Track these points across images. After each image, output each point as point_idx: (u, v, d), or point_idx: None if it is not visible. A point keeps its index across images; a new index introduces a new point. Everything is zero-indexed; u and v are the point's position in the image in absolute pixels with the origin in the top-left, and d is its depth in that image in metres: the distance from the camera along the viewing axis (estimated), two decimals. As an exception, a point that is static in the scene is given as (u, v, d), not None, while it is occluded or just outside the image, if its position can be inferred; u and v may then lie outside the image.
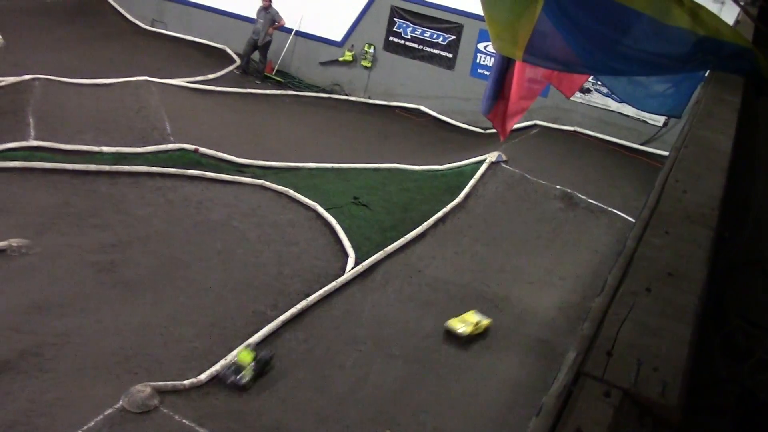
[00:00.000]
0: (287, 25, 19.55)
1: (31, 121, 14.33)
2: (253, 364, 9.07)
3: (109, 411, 8.10)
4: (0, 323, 9.39)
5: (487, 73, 16.41)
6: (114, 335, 9.48)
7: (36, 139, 13.76)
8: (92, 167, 13.19)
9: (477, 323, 10.47)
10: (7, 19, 19.72)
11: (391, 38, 19.12)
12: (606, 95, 16.78)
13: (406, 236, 12.42)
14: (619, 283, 2.88)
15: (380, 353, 9.96)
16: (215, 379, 8.90)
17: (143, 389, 8.31)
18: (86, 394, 8.46)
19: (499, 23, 7.84)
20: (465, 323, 10.46)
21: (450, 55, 18.56)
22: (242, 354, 9.18)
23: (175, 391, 8.56)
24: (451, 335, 10.38)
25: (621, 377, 2.22)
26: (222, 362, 9.07)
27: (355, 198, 13.56)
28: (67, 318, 9.71)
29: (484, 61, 17.91)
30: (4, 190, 12.35)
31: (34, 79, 15.86)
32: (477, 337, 10.45)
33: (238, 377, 8.98)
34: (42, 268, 10.64)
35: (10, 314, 9.58)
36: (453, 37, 18.43)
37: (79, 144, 13.80)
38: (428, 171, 15.06)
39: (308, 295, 10.60)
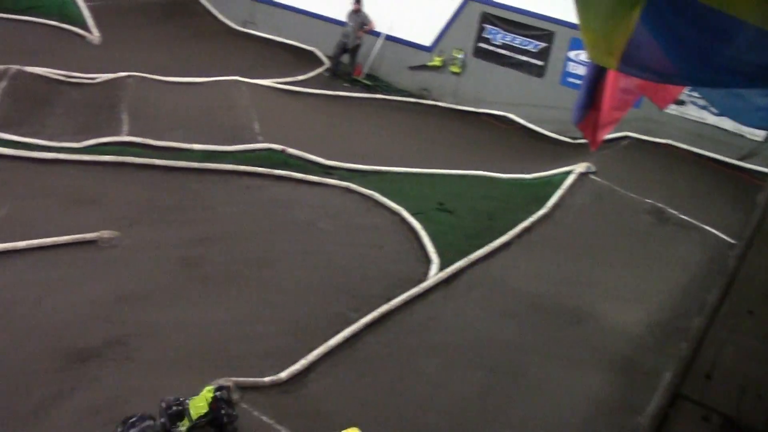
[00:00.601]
0: (377, 28, 19.58)
1: (125, 117, 14.65)
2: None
3: (190, 403, 8.22)
4: (89, 312, 9.64)
5: (577, 81, 16.16)
6: (197, 329, 9.62)
7: (129, 134, 14.07)
8: (182, 164, 13.42)
9: None
10: (105, 17, 20.19)
11: (480, 44, 19.00)
12: (702, 108, 16.33)
13: (491, 244, 12.29)
14: (719, 303, 2.77)
15: (460, 361, 9.87)
16: (293, 378, 8.95)
17: (225, 384, 8.40)
18: (169, 385, 8.55)
19: (594, 31, 7.65)
20: None
21: (540, 63, 18.36)
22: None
23: (256, 388, 8.62)
24: None
25: (721, 402, 2.13)
26: (302, 361, 9.10)
27: (440, 204, 13.49)
28: (153, 310, 9.90)
29: (575, 70, 17.66)
30: (97, 183, 12.66)
31: (128, 76, 16.23)
32: (558, 351, 10.29)
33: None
34: (130, 260, 10.86)
35: (99, 304, 9.83)
36: (544, 44, 18.22)
37: (169, 141, 14.05)
38: (515, 180, 14.89)
39: (390, 300, 10.57)
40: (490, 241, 12.41)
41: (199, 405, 7.82)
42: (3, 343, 8.94)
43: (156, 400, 8.01)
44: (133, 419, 7.67)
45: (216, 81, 16.66)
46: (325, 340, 9.61)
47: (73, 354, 8.90)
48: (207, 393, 7.93)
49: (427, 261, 11.82)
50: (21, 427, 7.82)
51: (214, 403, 7.81)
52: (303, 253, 11.66)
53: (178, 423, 7.74)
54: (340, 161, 14.38)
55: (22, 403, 8.11)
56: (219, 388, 8.00)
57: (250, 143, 14.33)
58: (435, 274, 11.41)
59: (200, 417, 7.79)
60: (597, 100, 9.43)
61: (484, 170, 14.97)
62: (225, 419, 7.84)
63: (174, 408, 7.77)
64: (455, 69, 19.23)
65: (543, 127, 18.10)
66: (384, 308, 10.35)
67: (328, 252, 11.78)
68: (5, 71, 15.40)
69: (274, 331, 9.83)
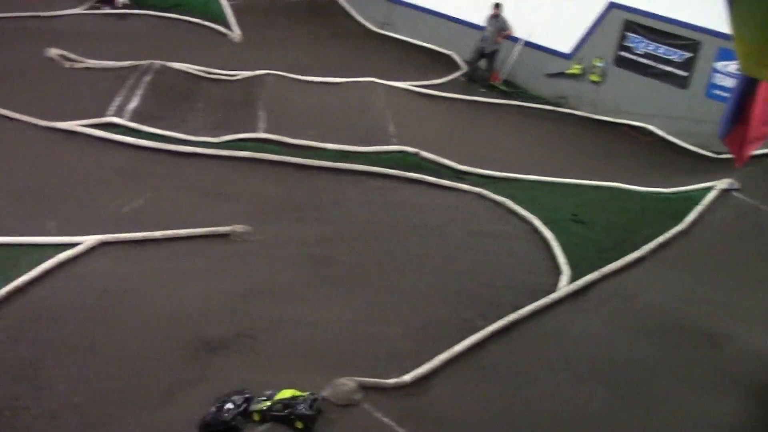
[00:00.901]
0: (516, 34, 19.35)
1: (262, 114, 14.93)
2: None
3: (314, 399, 8.26)
4: (220, 303, 9.83)
5: (724, 94, 15.56)
6: (324, 326, 9.67)
7: (265, 131, 14.32)
8: (316, 163, 13.56)
9: None
10: (246, 16, 20.67)
11: (622, 53, 18.51)
12: None
13: (625, 259, 11.90)
14: None
15: (585, 377, 9.57)
16: (417, 381, 8.88)
17: (348, 383, 8.38)
18: (293, 380, 8.58)
19: (748, 42, 7.30)
20: None
21: (684, 74, 17.73)
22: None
23: (379, 389, 8.57)
24: None
25: None
26: (427, 365, 9.03)
27: (573, 215, 13.18)
28: (281, 305, 10.01)
29: (722, 82, 16.99)
30: (232, 178, 12.92)
31: (267, 74, 16.53)
32: (691, 373, 9.89)
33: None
34: (261, 255, 11.02)
35: (229, 296, 10.01)
36: (689, 54, 17.60)
37: (304, 139, 14.23)
38: (653, 193, 14.41)
39: (518, 309, 10.38)
40: (624, 255, 12.02)
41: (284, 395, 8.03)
42: (137, 328, 9.22)
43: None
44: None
45: (352, 82, 16.78)
46: (450, 345, 9.49)
47: (202, 344, 9.08)
48: (301, 393, 8.03)
49: (558, 272, 11.55)
50: (149, 411, 8.00)
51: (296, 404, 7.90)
52: (432, 257, 11.58)
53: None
54: (474, 166, 14.23)
55: (152, 388, 8.31)
56: (313, 398, 8.03)
57: (384, 145, 14.38)
58: (565, 285, 11.14)
59: (274, 405, 7.91)
60: (746, 113, 9.02)
61: (620, 182, 14.55)
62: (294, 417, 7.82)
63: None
64: (594, 77, 18.81)
65: (684, 140, 17.47)
66: (511, 317, 10.15)
67: (457, 257, 11.67)
68: (150, 66, 15.93)
69: (399, 333, 9.78)
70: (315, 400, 8.03)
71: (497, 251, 11.98)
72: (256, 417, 7.87)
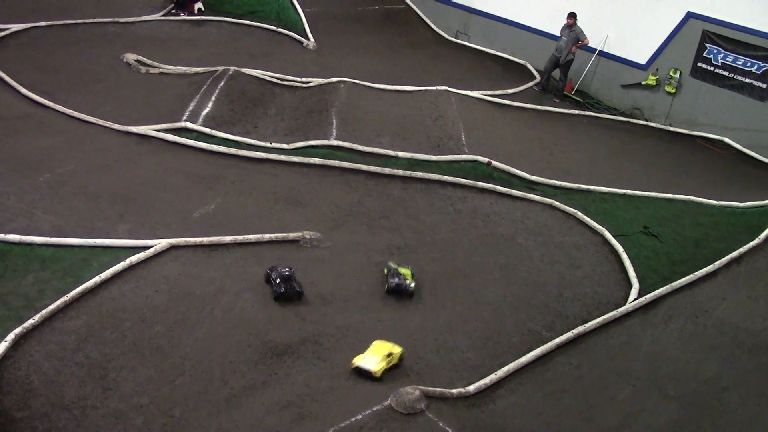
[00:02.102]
0: (591, 44, 19.13)
1: (334, 121, 14.97)
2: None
3: (377, 408, 8.27)
4: (287, 309, 9.90)
5: (805, 107, 15.22)
6: (391, 334, 9.63)
7: (337, 138, 14.36)
8: (386, 170, 13.58)
9: (389, 355, 8.98)
10: (321, 23, 20.80)
11: (699, 64, 18.18)
12: None
13: (696, 273, 11.68)
14: None
15: (655, 391, 9.42)
16: (481, 392, 8.82)
17: (412, 391, 8.37)
18: (357, 388, 8.66)
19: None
20: (375, 357, 8.96)
21: (764, 86, 17.33)
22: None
23: (443, 398, 8.56)
24: (363, 374, 8.90)
25: None
26: (492, 376, 8.94)
27: (645, 227, 12.97)
28: (348, 312, 10.04)
29: (803, 94, 16.61)
30: (304, 184, 12.99)
31: (340, 81, 16.58)
32: (763, 391, 9.64)
33: (407, 283, 10.40)
34: (330, 261, 11.06)
35: (298, 302, 10.06)
36: (770, 66, 17.23)
37: (376, 147, 14.26)
38: (727, 207, 14.11)
39: (586, 321, 10.26)
40: (696, 269, 11.81)
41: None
42: (204, 332, 9.32)
43: (345, 402, 8.30)
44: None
45: (425, 90, 16.77)
46: (517, 356, 9.46)
47: (269, 348, 9.16)
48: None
49: (628, 285, 11.40)
50: (214, 414, 8.09)
51: None
52: (500, 267, 11.51)
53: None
54: (545, 177, 14.12)
55: (218, 391, 8.40)
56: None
57: (456, 154, 14.33)
58: (634, 299, 10.99)
59: None
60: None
61: (693, 195, 14.28)
62: None
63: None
64: (670, 89, 18.50)
65: (762, 154, 17.09)
66: (579, 329, 10.06)
67: (526, 268, 11.58)
68: (224, 72, 16.11)
69: (465, 343, 9.75)
70: None
71: (566, 262, 11.85)
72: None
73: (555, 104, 18.55)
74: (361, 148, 14.16)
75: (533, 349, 9.61)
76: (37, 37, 18.41)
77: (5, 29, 18.31)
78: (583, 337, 10.02)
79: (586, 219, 12.97)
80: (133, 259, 10.34)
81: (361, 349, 9.23)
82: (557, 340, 9.80)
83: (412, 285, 10.47)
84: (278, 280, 10.07)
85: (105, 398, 8.13)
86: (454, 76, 18.57)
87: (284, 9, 21.27)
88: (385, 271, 10.74)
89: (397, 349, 9.11)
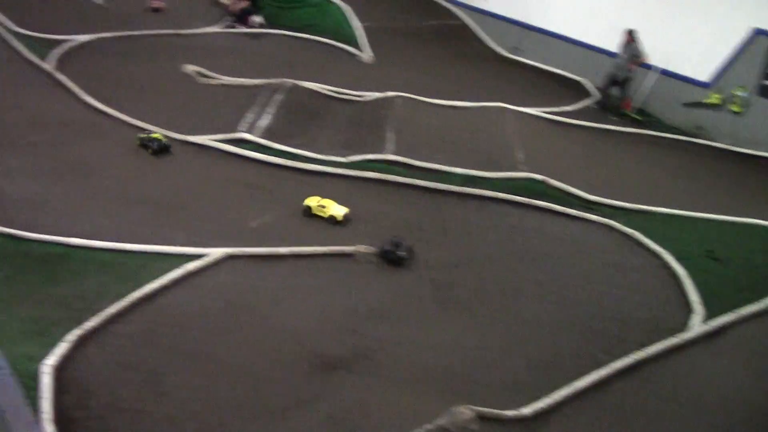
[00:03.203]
0: (650, 61, 18.83)
1: (390, 135, 14.92)
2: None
3: (429, 426, 8.18)
4: (340, 323, 9.89)
5: None
6: (443, 352, 9.59)
7: (393, 153, 14.29)
8: (442, 186, 13.47)
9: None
10: (377, 37, 20.81)
11: (767, 82, 17.77)
12: None
13: (764, 301, 11.35)
14: None
15: (719, 424, 9.16)
16: (536, 415, 8.66)
17: (465, 411, 8.27)
18: (408, 405, 8.59)
19: None
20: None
21: (834, 106, 16.88)
22: None
23: (497, 420, 8.44)
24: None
25: None
26: (547, 399, 8.76)
27: (708, 251, 12.62)
28: (401, 328, 9.98)
29: None
30: (359, 198, 12.94)
31: (396, 96, 16.55)
32: None
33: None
34: (384, 276, 11.01)
35: (351, 316, 10.06)
36: None
37: (431, 162, 14.15)
38: (798, 232, 13.72)
39: (646, 347, 10.00)
40: (763, 296, 11.47)
41: None
42: (258, 342, 9.36)
43: (396, 419, 8.26)
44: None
45: (481, 106, 16.65)
46: (572, 379, 9.26)
47: (320, 362, 9.14)
48: None
49: (689, 310, 11.10)
50: (265, 425, 8.12)
51: None
52: (556, 287, 11.31)
53: None
54: (603, 197, 13.84)
55: (269, 402, 8.42)
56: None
57: (511, 171, 14.15)
58: (697, 325, 10.69)
59: None
60: None
61: (760, 218, 13.91)
62: None
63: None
64: (736, 108, 18.08)
65: (834, 177, 16.65)
66: (638, 355, 9.81)
67: (583, 289, 11.35)
68: (281, 84, 16.18)
69: (520, 363, 9.61)
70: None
71: (625, 285, 11.59)
72: None
73: (613, 122, 18.25)
74: (416, 163, 14.07)
75: (590, 373, 9.41)
76: (101, 47, 18.74)
77: (72, 40, 18.65)
78: (643, 363, 9.77)
79: (646, 241, 12.67)
80: (190, 266, 10.48)
81: (415, 366, 9.22)
82: (616, 365, 9.58)
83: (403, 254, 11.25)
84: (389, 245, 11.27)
85: (159, 403, 8.21)
86: (510, 92, 18.40)
87: (341, 23, 21.33)
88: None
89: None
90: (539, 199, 13.53)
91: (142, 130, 14.36)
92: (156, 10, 22.61)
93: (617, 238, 12.87)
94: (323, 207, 12.22)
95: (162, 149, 13.78)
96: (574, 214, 13.32)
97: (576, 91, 19.56)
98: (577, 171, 14.75)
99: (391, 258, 11.23)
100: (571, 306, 10.92)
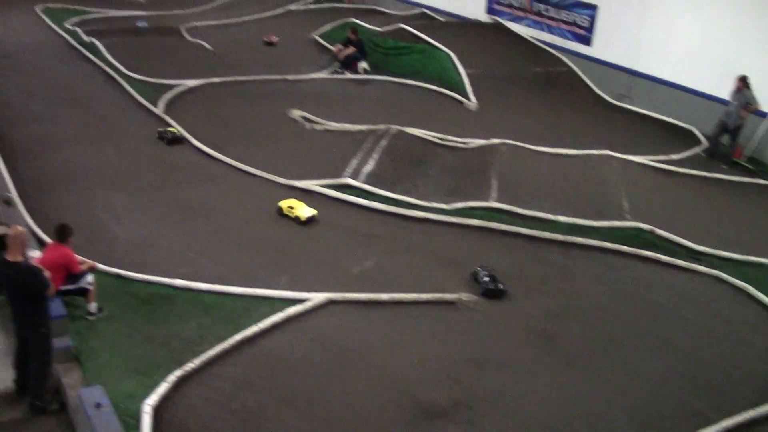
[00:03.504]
0: (763, 108, 18.36)
1: (494, 183, 14.90)
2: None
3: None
4: (440, 371, 9.84)
5: None
6: (545, 404, 9.46)
7: (496, 200, 14.27)
8: (546, 235, 13.36)
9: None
10: (482, 84, 20.87)
11: None
12: None
13: None
14: None
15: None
16: None
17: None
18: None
19: None
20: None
21: None
22: None
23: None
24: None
25: None
26: None
27: (823, 306, 12.18)
28: (502, 378, 9.88)
29: None
30: (461, 245, 12.96)
31: (501, 143, 16.55)
32: None
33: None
34: (486, 325, 10.95)
35: (451, 364, 10.01)
36: None
37: (536, 210, 14.08)
38: None
39: (758, 405, 9.62)
40: None
41: None
42: (358, 387, 9.41)
43: None
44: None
45: (587, 154, 16.49)
46: (681, 437, 9.01)
47: (420, 410, 9.10)
48: None
49: (806, 369, 10.67)
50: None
51: None
52: (662, 340, 11.01)
53: None
54: (712, 247, 13.45)
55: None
56: None
57: (617, 220, 13.94)
58: (815, 385, 10.26)
59: None
60: None
61: None
62: None
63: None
64: None
65: None
66: (751, 414, 9.43)
67: (690, 342, 11.02)
68: (386, 130, 16.37)
69: (623, 416, 9.37)
70: None
71: (735, 339, 11.22)
72: None
73: (723, 171, 17.80)
74: (520, 211, 14.01)
75: (698, 430, 9.11)
76: (210, 92, 19.38)
77: (182, 85, 19.31)
78: (755, 423, 9.39)
79: (758, 294, 12.24)
80: (291, 311, 10.64)
81: (516, 418, 9.12)
82: (725, 424, 9.24)
83: (501, 286, 11.60)
84: (486, 278, 11.65)
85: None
86: (616, 140, 18.19)
87: (447, 70, 21.48)
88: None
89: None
90: (646, 250, 13.25)
91: (251, 175, 14.73)
92: (270, 44, 23.81)
93: (727, 290, 12.48)
94: (292, 208, 13.43)
95: (174, 140, 16.21)
96: (681, 264, 12.98)
97: (685, 138, 19.17)
98: (685, 221, 14.42)
99: (494, 293, 11.51)
100: (678, 359, 10.61)
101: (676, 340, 11.05)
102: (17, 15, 26.58)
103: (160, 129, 16.51)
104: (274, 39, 24.94)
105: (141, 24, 25.92)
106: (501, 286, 11.58)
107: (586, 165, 16.00)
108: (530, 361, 10.29)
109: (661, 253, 13.16)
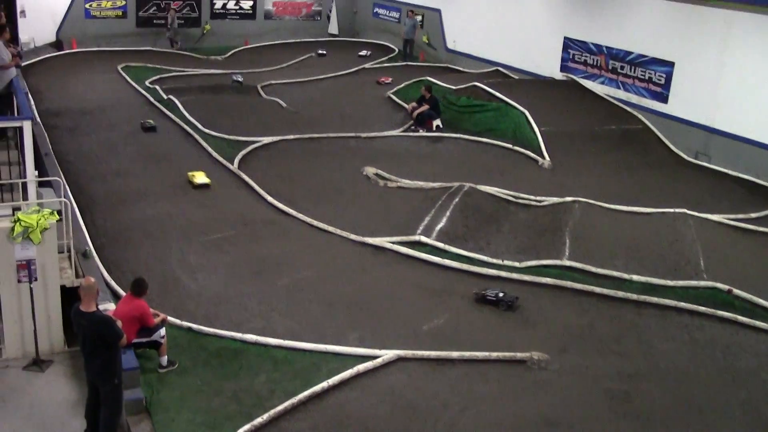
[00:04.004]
0: None
1: (567, 240, 14.76)
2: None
3: None
4: (510, 430, 9.64)
5: None
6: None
7: (569, 258, 14.13)
8: (620, 294, 13.16)
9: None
10: (556, 142, 20.79)
11: None
12: None
13: None
14: None
15: None
16: None
17: None
18: None
19: None
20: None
21: None
22: None
23: None
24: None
25: None
26: None
27: None
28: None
29: None
30: (533, 303, 12.83)
31: (574, 201, 16.39)
32: None
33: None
34: (557, 385, 10.76)
35: (522, 424, 9.88)
36: None
37: (609, 269, 13.90)
38: None
39: None
40: None
41: None
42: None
43: None
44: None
45: (662, 212, 16.22)
46: None
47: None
48: None
49: None
50: None
51: None
52: (742, 404, 10.66)
53: None
54: (791, 309, 13.09)
55: None
56: None
57: (694, 280, 13.64)
58: None
59: None
60: None
61: None
62: None
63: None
64: None
65: None
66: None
67: (771, 410, 10.67)
68: (459, 188, 16.37)
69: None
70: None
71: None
72: None
73: (804, 231, 17.37)
74: (593, 269, 13.84)
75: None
76: (284, 148, 19.69)
77: (257, 141, 19.69)
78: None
79: None
80: (361, 367, 10.63)
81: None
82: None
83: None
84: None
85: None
86: (692, 198, 17.90)
87: (521, 127, 21.48)
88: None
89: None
90: (724, 310, 12.92)
91: (324, 231, 14.88)
92: (381, 83, 25.90)
93: (812, 353, 12.09)
94: (193, 176, 16.93)
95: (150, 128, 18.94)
96: (762, 326, 12.60)
97: (764, 197, 18.75)
98: (764, 280, 14.04)
99: (491, 301, 12.58)
100: (758, 425, 10.26)
101: (757, 404, 10.70)
102: (100, 74, 27.47)
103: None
104: (388, 80, 26.41)
105: (236, 78, 26.56)
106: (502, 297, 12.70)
107: (662, 223, 15.74)
108: (603, 422, 10.07)
109: (740, 314, 12.82)
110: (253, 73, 28.46)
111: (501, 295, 12.67)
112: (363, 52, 32.55)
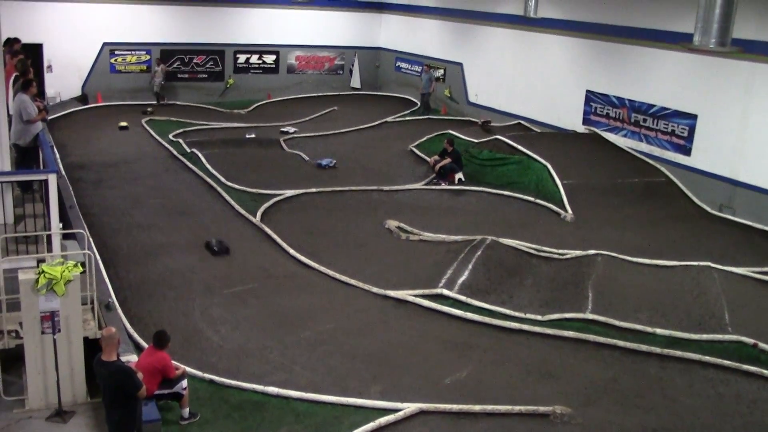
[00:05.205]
0: None
1: (590, 294, 14.70)
2: None
3: None
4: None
5: None
6: None
7: (592, 312, 14.07)
8: (643, 347, 13.06)
9: None
10: (579, 195, 20.78)
11: None
12: None
13: None
14: None
15: None
16: None
17: None
18: None
19: None
20: None
21: None
22: None
23: None
24: None
25: None
26: None
27: None
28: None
29: None
30: (556, 357, 12.75)
31: (597, 254, 16.36)
32: None
33: None
34: (581, 439, 10.65)
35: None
36: None
37: (633, 322, 13.83)
38: None
39: None
40: None
41: None
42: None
43: None
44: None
45: (686, 265, 16.13)
46: None
47: None
48: None
49: None
50: None
51: None
52: (770, 461, 10.54)
53: None
54: (818, 364, 12.92)
55: None
56: None
57: (718, 333, 13.53)
58: None
59: None
60: None
61: None
62: None
63: None
64: None
65: None
66: None
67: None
68: (481, 241, 16.38)
69: None
70: None
71: None
72: None
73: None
74: (617, 323, 13.78)
75: None
76: (307, 201, 19.82)
77: (280, 194, 19.84)
78: None
79: None
80: (383, 420, 10.60)
81: None
82: None
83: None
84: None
85: None
86: (716, 251, 17.79)
87: (543, 180, 21.50)
88: None
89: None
90: (749, 364, 12.79)
91: (345, 284, 14.93)
92: (486, 124, 26.63)
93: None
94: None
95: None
96: (787, 381, 12.49)
97: (789, 250, 18.62)
98: (791, 335, 13.90)
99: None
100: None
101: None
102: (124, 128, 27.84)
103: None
104: (489, 120, 27.15)
105: (249, 136, 26.82)
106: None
107: (685, 276, 15.65)
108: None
109: (765, 368, 12.68)
110: (276, 127, 28.76)
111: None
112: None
